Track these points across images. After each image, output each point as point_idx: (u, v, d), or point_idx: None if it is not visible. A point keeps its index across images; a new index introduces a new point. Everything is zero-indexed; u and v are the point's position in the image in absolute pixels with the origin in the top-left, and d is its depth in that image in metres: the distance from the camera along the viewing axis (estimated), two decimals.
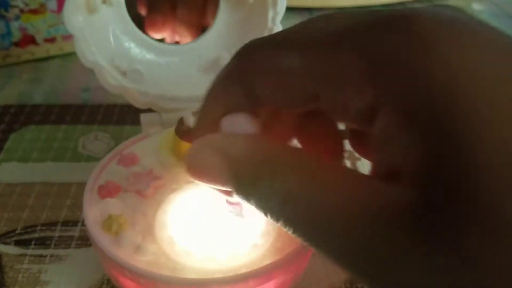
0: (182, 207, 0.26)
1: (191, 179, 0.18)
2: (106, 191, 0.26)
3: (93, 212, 0.25)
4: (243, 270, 0.22)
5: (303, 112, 0.20)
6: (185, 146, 0.28)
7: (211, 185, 0.18)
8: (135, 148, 0.29)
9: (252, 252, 0.24)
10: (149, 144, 0.30)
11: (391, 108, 0.14)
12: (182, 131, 0.28)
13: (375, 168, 0.16)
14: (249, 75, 0.18)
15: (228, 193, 0.18)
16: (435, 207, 0.13)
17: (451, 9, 0.16)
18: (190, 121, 0.28)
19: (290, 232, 0.16)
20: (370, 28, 0.15)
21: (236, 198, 0.18)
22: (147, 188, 0.26)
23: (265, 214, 0.16)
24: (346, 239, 0.14)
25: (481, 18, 0.16)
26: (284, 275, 0.24)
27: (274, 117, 0.20)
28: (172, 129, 0.29)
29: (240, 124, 0.18)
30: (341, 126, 0.20)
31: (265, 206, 0.16)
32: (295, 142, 0.21)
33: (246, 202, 0.17)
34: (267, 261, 0.23)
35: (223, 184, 0.17)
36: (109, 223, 0.24)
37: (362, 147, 0.20)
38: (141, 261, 0.23)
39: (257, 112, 0.19)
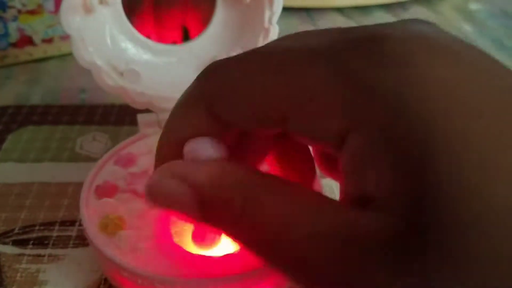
0: None
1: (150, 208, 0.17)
2: (103, 191, 0.26)
3: (90, 212, 0.25)
4: (241, 270, 0.22)
5: (273, 135, 0.19)
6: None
7: (173, 214, 0.17)
8: (133, 148, 0.30)
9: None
10: (146, 144, 0.30)
11: (362, 133, 0.14)
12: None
13: (344, 193, 0.15)
14: (214, 97, 0.17)
15: (191, 221, 0.17)
16: (408, 236, 0.13)
17: (420, 24, 0.16)
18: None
19: (257, 256, 0.15)
20: (342, 50, 0.15)
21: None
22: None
23: (235, 240, 0.16)
24: (317, 266, 0.14)
25: (448, 32, 0.15)
26: (281, 276, 0.24)
27: (243, 140, 0.19)
28: None
29: (204, 150, 0.17)
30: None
31: (234, 231, 0.16)
32: (266, 167, 0.21)
33: (213, 227, 0.16)
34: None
35: (187, 213, 0.16)
36: (106, 223, 0.24)
37: (328, 169, 0.20)
38: (139, 261, 0.23)
39: (224, 135, 0.18)
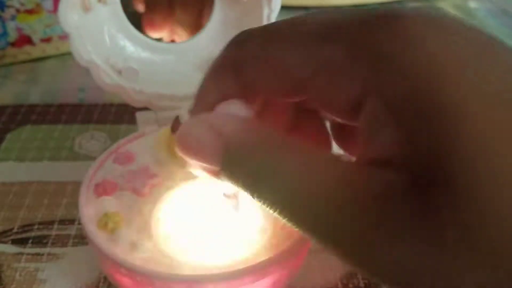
0: (178, 205, 0.26)
1: (181, 154, 0.18)
2: (102, 189, 0.26)
3: (89, 210, 0.25)
4: (239, 267, 0.22)
5: (294, 106, 0.20)
6: None
7: (198, 162, 0.18)
8: (131, 147, 0.30)
9: (248, 248, 0.24)
10: (145, 143, 0.30)
11: (379, 100, 0.15)
12: (178, 129, 0.28)
13: (360, 156, 0.16)
14: (242, 63, 0.18)
15: (213, 173, 0.18)
16: (429, 188, 0.13)
17: (434, 10, 0.17)
18: (186, 118, 0.28)
19: (276, 214, 0.16)
20: (359, 24, 0.16)
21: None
22: (143, 186, 0.27)
23: (252, 194, 0.16)
24: (339, 223, 0.14)
25: (460, 18, 0.16)
26: (280, 272, 0.24)
27: (266, 110, 0.20)
28: (168, 127, 0.29)
29: (234, 110, 0.19)
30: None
31: (254, 186, 0.16)
32: None
33: (232, 183, 0.17)
34: (263, 258, 0.23)
35: (211, 162, 0.17)
36: (105, 221, 0.24)
37: (343, 140, 0.21)
38: (137, 258, 0.23)
39: (251, 101, 0.19)
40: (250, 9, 0.32)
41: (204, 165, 0.18)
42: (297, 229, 0.16)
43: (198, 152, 0.17)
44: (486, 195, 0.13)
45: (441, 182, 0.13)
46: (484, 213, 0.13)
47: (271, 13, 0.31)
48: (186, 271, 0.23)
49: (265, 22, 0.31)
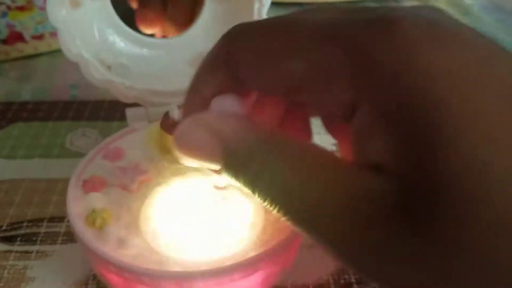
0: (167, 201, 0.26)
1: (180, 155, 0.18)
2: (90, 185, 0.26)
3: (77, 207, 0.25)
4: (229, 262, 0.22)
5: (285, 101, 0.20)
6: (170, 139, 0.28)
7: (199, 162, 0.18)
8: (121, 143, 0.29)
9: (238, 244, 0.23)
10: (135, 139, 0.29)
11: (372, 106, 0.15)
12: (168, 125, 0.28)
13: (355, 160, 0.16)
14: (235, 59, 0.18)
15: (215, 171, 0.18)
16: (415, 199, 0.14)
17: (431, 10, 0.16)
18: (176, 114, 0.28)
19: (274, 211, 0.16)
20: (357, 28, 0.16)
21: (223, 182, 0.18)
22: (132, 183, 0.26)
23: (253, 192, 0.17)
24: (334, 223, 0.15)
25: (457, 19, 0.16)
26: (270, 268, 0.23)
27: (258, 104, 0.20)
28: (158, 123, 0.29)
29: (230, 105, 0.19)
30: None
31: (255, 185, 0.16)
32: None
33: (233, 180, 0.17)
34: (252, 253, 0.23)
35: (212, 162, 0.17)
36: (93, 217, 0.24)
37: (336, 131, 0.21)
38: (126, 255, 0.23)
39: (244, 96, 0.19)
40: (240, 4, 0.32)
41: (205, 164, 0.18)
42: (292, 226, 0.16)
43: (199, 154, 0.18)
44: (477, 211, 0.13)
45: (431, 195, 0.13)
46: (475, 228, 0.13)
47: (261, 8, 0.31)
48: (175, 267, 0.22)
49: (255, 16, 0.31)
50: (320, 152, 0.16)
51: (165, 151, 0.28)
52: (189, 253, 0.23)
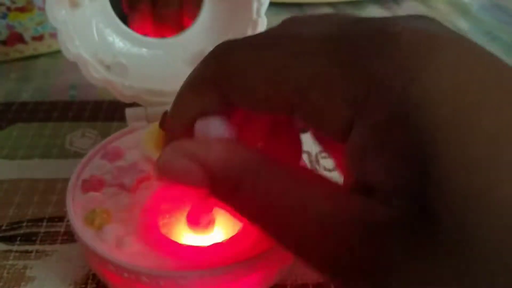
0: (166, 200, 0.26)
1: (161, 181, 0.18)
2: (89, 185, 0.26)
3: (76, 207, 0.25)
4: (229, 261, 0.22)
5: (273, 119, 0.20)
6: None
7: (185, 188, 0.18)
8: (120, 143, 0.29)
9: (238, 243, 0.23)
10: (134, 139, 0.30)
11: (367, 124, 0.15)
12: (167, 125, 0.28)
13: (349, 178, 0.16)
14: (224, 78, 0.17)
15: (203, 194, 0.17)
16: (415, 223, 0.13)
17: (428, 22, 0.16)
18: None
19: (268, 235, 0.16)
20: (356, 41, 0.15)
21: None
22: (131, 182, 0.26)
23: (244, 216, 0.16)
24: (325, 247, 0.15)
25: (454, 31, 0.16)
26: (269, 267, 0.24)
27: (244, 121, 0.20)
28: (157, 123, 0.29)
29: (214, 128, 0.18)
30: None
31: (244, 212, 0.16)
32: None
33: (223, 202, 0.17)
34: (253, 252, 0.23)
35: (199, 189, 0.17)
36: (92, 217, 0.24)
37: (329, 147, 0.21)
38: (124, 254, 0.23)
39: (231, 114, 0.19)
40: (239, 3, 0.32)
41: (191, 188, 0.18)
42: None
43: (184, 182, 0.17)
44: (477, 236, 0.13)
45: (423, 221, 0.13)
46: (476, 255, 0.13)
47: (260, 7, 0.31)
48: (175, 267, 0.22)
49: (254, 16, 0.31)
50: (311, 176, 0.16)
51: None
52: (189, 252, 0.23)
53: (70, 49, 0.28)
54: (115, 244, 0.23)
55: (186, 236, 0.24)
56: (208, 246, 0.23)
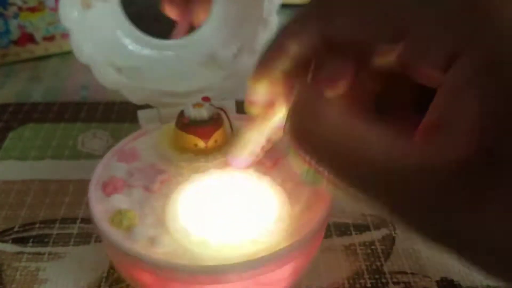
0: (191, 198, 0.25)
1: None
2: (111, 187, 0.26)
3: (100, 209, 0.24)
4: (260, 255, 0.22)
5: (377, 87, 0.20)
6: (186, 138, 0.28)
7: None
8: (135, 144, 0.29)
9: (268, 237, 0.23)
10: (149, 140, 0.29)
11: (468, 61, 0.14)
12: (183, 124, 0.28)
13: (431, 116, 0.16)
14: (329, 16, 0.18)
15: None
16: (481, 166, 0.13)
17: None
18: (191, 113, 0.28)
19: (339, 181, 0.16)
20: None
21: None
22: (153, 183, 0.26)
23: (318, 161, 0.16)
24: (402, 189, 0.14)
25: None
26: (299, 258, 0.24)
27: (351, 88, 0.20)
28: (171, 124, 0.29)
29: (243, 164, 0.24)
30: None
31: (319, 155, 0.17)
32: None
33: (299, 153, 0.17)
34: (283, 245, 0.22)
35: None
36: (119, 218, 0.24)
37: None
38: (157, 253, 0.22)
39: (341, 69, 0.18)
40: (250, 4, 0.32)
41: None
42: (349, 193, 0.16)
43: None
44: None
45: (490, 165, 0.13)
46: None
47: (272, 8, 0.31)
48: (208, 262, 0.22)
49: (265, 16, 0.31)
50: (384, 129, 0.16)
51: (182, 150, 0.28)
52: (220, 247, 0.23)
53: (83, 51, 0.28)
54: (147, 244, 0.23)
55: (218, 232, 0.24)
56: (240, 241, 0.23)
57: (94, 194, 0.25)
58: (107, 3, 0.30)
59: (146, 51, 0.32)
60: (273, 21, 0.31)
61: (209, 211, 0.25)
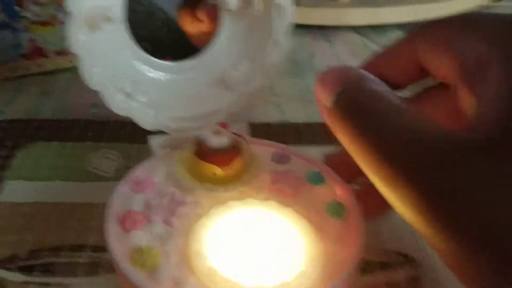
0: (214, 235, 0.24)
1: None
2: (130, 222, 0.24)
3: (119, 247, 0.23)
4: None
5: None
6: (205, 167, 0.27)
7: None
8: (149, 173, 0.28)
9: (301, 279, 0.22)
10: (162, 168, 0.28)
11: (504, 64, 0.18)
12: (204, 153, 0.27)
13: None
14: (422, 47, 0.22)
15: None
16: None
17: None
18: (212, 141, 0.27)
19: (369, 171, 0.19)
20: None
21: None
22: (172, 216, 0.25)
23: (357, 147, 0.20)
24: (421, 164, 0.17)
25: None
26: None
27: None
28: (184, 150, 0.28)
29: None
30: None
31: (360, 141, 0.19)
32: None
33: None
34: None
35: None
36: (143, 257, 0.23)
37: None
38: None
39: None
40: (258, 22, 0.31)
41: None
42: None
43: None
44: None
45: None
46: None
47: (282, 26, 0.29)
48: None
49: (274, 35, 0.30)
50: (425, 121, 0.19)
51: (200, 178, 0.27)
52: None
53: (92, 78, 0.27)
54: (171, 285, 0.22)
55: (246, 274, 0.22)
56: (272, 284, 0.22)
57: (112, 231, 0.24)
58: (113, 25, 0.29)
59: (154, 75, 0.31)
60: (284, 42, 0.30)
61: (235, 249, 0.23)
